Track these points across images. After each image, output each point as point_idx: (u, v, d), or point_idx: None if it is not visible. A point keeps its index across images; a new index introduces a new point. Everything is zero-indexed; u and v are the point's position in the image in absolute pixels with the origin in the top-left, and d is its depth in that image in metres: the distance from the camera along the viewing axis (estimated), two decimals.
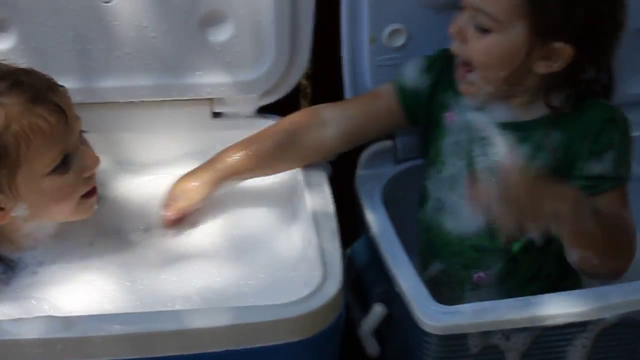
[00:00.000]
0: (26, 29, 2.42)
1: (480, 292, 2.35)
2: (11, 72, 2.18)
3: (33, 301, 2.12)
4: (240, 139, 2.46)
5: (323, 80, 2.56)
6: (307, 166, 2.43)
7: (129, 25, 2.44)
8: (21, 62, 2.31)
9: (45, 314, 2.02)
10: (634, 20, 2.44)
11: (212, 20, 2.48)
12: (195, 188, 2.36)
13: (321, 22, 2.50)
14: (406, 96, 2.40)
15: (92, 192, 2.27)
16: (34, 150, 2.12)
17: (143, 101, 2.51)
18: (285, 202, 2.46)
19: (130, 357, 1.93)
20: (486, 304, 2.11)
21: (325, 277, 2.05)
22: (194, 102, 2.54)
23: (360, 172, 2.51)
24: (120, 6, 2.41)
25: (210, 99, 2.55)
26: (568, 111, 2.25)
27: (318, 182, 2.38)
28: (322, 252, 2.14)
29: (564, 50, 2.16)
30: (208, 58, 2.50)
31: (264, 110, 2.57)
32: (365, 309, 2.23)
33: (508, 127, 2.29)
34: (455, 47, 2.25)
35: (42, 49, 2.42)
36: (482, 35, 2.18)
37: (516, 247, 2.23)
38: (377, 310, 2.20)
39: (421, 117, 2.40)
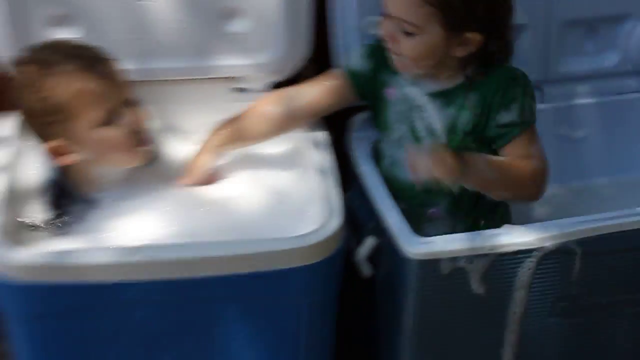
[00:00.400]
0: (88, 23, 2.50)
1: (436, 223, 2.45)
2: (68, 45, 2.35)
3: (105, 233, 2.23)
4: None
5: (322, 62, 2.63)
6: (312, 131, 2.53)
7: (164, 20, 2.53)
8: None
9: (116, 244, 2.14)
10: (563, 12, 2.65)
11: (232, 14, 2.56)
12: (198, 164, 2.48)
13: (321, 10, 2.60)
14: (354, 76, 2.49)
15: (141, 143, 2.37)
16: (84, 107, 2.27)
17: (178, 79, 2.61)
18: (296, 160, 2.54)
19: (178, 277, 2.07)
20: (454, 236, 2.20)
21: (330, 216, 2.19)
22: (217, 80, 2.62)
23: (352, 134, 2.59)
24: (156, 4, 2.51)
25: (231, 77, 2.63)
26: (480, 78, 2.37)
27: (321, 143, 2.49)
28: (327, 197, 2.26)
29: (474, 37, 2.29)
30: (228, 44, 2.59)
31: (275, 87, 2.63)
32: (360, 241, 2.33)
33: (435, 95, 2.39)
34: (390, 45, 2.34)
35: (102, 39, 2.44)
36: (408, 37, 2.28)
37: (455, 188, 2.29)
38: (370, 241, 2.31)
39: (368, 93, 2.49)
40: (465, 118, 2.39)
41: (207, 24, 2.59)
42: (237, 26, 2.61)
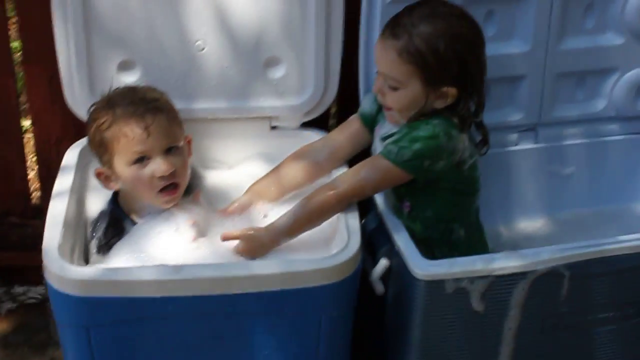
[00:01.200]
0: (146, 67, 2.42)
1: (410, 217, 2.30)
2: (137, 91, 2.28)
3: (142, 252, 2.16)
4: (288, 145, 2.46)
5: (346, 104, 2.55)
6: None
7: (216, 66, 2.45)
8: None
9: (159, 263, 2.08)
10: (557, 65, 2.55)
11: (271, 63, 2.47)
12: (237, 202, 2.35)
13: (345, 64, 2.49)
14: (365, 118, 2.39)
15: (168, 189, 2.23)
16: (121, 148, 2.19)
17: (225, 118, 2.51)
18: None
19: (214, 293, 1.97)
20: (457, 259, 2.10)
21: (349, 240, 2.09)
22: (258, 119, 2.52)
23: None
24: (210, 53, 2.42)
25: (269, 117, 2.53)
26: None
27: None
28: (347, 222, 2.16)
29: (450, 91, 2.18)
30: (268, 88, 2.49)
31: (306, 125, 2.54)
32: (374, 262, 2.22)
33: (386, 138, 2.26)
34: (379, 99, 2.26)
35: (157, 81, 2.38)
36: (393, 91, 2.20)
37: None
38: (383, 263, 2.19)
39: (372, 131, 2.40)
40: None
41: (251, 71, 2.49)
42: (276, 73, 2.51)
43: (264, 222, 2.27)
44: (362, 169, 2.21)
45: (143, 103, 2.23)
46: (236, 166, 2.54)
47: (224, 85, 2.47)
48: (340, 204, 2.20)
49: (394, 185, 2.24)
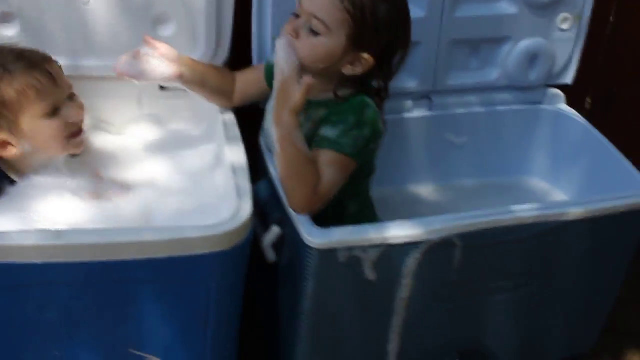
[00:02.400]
0: (26, 21, 2.31)
1: None
2: (16, 49, 2.17)
3: (29, 215, 2.06)
4: (179, 108, 2.44)
5: (238, 66, 2.42)
6: (226, 124, 2.33)
7: (101, 22, 2.35)
8: (22, 44, 2.24)
9: (39, 227, 1.99)
10: (451, 33, 2.53)
11: (160, 20, 2.39)
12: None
13: (238, 24, 2.43)
14: (267, 69, 2.31)
15: (77, 133, 2.21)
16: (31, 101, 2.11)
17: (111, 76, 2.33)
18: (210, 152, 2.36)
19: (98, 260, 1.88)
20: (350, 228, 2.06)
21: (240, 206, 2.01)
22: None
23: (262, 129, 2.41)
24: (95, 7, 2.32)
25: None
26: (340, 101, 2.18)
27: (234, 137, 2.29)
28: (238, 188, 2.07)
29: (367, 61, 2.12)
30: None
31: None
32: (266, 228, 2.18)
33: None
34: (282, 42, 2.13)
35: (38, 36, 2.31)
36: (312, 36, 2.09)
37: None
38: (275, 230, 2.15)
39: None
40: (306, 129, 2.17)
41: (139, 28, 2.38)
42: (165, 30, 2.42)
43: None
44: (325, 172, 2.09)
45: (32, 55, 2.16)
46: (124, 128, 2.46)
47: (111, 41, 2.37)
48: (309, 205, 2.09)
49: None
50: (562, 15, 2.61)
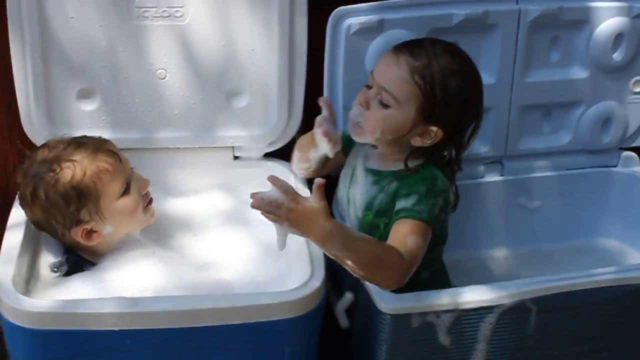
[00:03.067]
0: (106, 96, 2.39)
1: None
2: (72, 139, 2.22)
3: (107, 285, 2.10)
4: (251, 176, 2.45)
5: None
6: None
7: (177, 95, 2.42)
8: (102, 119, 2.37)
9: (118, 295, 2.02)
10: (522, 98, 2.55)
11: (234, 92, 2.44)
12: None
13: (309, 94, 2.46)
14: (344, 138, 2.32)
15: (149, 203, 2.26)
16: (106, 184, 2.14)
17: (187, 147, 2.47)
18: None
19: (174, 327, 1.92)
20: (423, 293, 2.07)
21: (312, 273, 2.05)
22: (221, 148, 2.49)
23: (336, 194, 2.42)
24: (172, 82, 2.39)
25: (232, 146, 2.49)
26: (410, 173, 2.18)
27: None
28: (311, 255, 2.11)
29: (436, 133, 2.12)
30: (231, 118, 2.46)
31: (269, 155, 2.52)
32: (339, 294, 2.19)
33: (371, 172, 2.23)
34: (356, 110, 2.16)
35: (117, 110, 2.40)
36: (382, 108, 2.12)
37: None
38: (348, 296, 2.17)
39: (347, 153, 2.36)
40: (380, 200, 2.19)
41: (214, 100, 2.46)
42: (239, 102, 2.48)
43: None
44: (411, 239, 2.08)
45: (90, 141, 2.21)
46: (198, 196, 2.49)
47: (186, 114, 2.44)
48: (399, 276, 2.05)
49: None
50: (635, 78, 2.62)
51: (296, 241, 2.16)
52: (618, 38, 2.54)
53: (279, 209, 1.96)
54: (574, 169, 2.69)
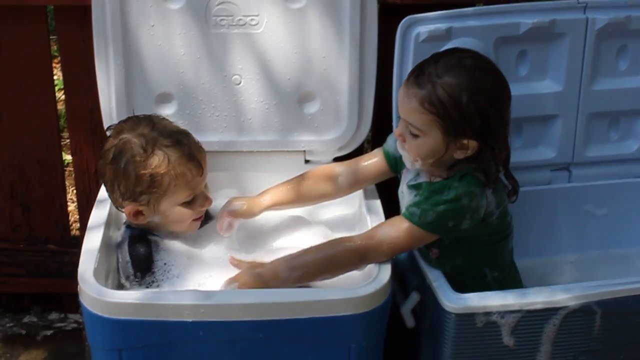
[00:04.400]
0: (184, 101, 2.47)
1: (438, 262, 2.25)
2: (175, 132, 2.29)
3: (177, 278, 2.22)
4: None
5: (380, 139, 2.51)
6: (368, 197, 2.43)
7: (251, 100, 2.49)
8: (179, 123, 2.40)
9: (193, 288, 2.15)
10: (589, 105, 2.55)
11: (306, 98, 2.50)
12: (242, 209, 2.38)
13: (379, 99, 2.52)
14: (388, 155, 2.39)
15: (199, 218, 2.32)
16: (177, 189, 2.23)
17: (260, 151, 2.54)
18: (351, 221, 2.49)
19: (245, 319, 1.98)
20: (488, 293, 2.11)
21: (379, 271, 2.10)
22: (293, 152, 2.55)
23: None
24: (246, 88, 2.46)
25: (304, 151, 2.55)
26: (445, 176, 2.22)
27: (375, 209, 2.39)
28: None
29: (471, 144, 2.14)
30: (303, 123, 2.52)
31: (340, 159, 2.55)
32: (406, 295, 2.23)
33: (413, 186, 2.26)
34: (399, 144, 2.23)
35: (193, 115, 2.48)
36: (414, 138, 2.17)
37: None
38: (414, 297, 2.21)
39: (397, 169, 2.38)
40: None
41: (287, 106, 2.53)
42: (311, 108, 2.54)
43: None
44: (384, 228, 2.20)
45: (189, 144, 2.28)
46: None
47: (259, 119, 2.51)
48: (359, 260, 2.17)
49: (420, 244, 2.22)
50: None
51: None
52: None
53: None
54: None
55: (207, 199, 2.30)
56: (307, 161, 2.57)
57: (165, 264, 2.24)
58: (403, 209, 2.25)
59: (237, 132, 2.51)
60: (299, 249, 2.20)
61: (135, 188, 2.22)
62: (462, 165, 2.19)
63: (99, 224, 2.28)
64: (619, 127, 2.64)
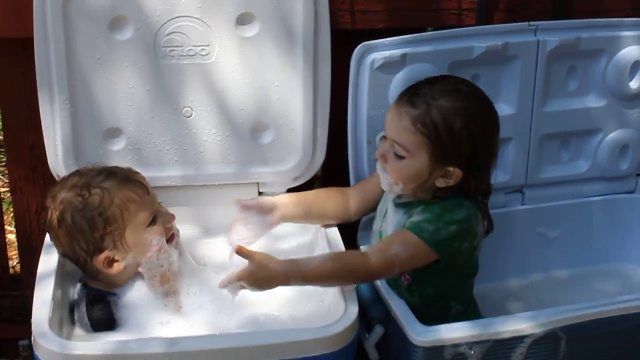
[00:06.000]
0: (133, 135, 2.40)
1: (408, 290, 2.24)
2: (103, 168, 2.23)
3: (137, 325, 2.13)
4: None
5: (333, 171, 2.54)
6: (328, 229, 2.37)
7: (203, 132, 2.43)
8: (128, 158, 2.36)
9: (155, 336, 2.07)
10: (542, 127, 2.56)
11: (259, 128, 2.45)
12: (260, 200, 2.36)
13: (333, 129, 2.49)
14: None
15: (172, 237, 2.26)
16: (132, 214, 2.15)
17: (213, 184, 2.47)
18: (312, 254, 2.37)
19: None
20: (455, 325, 2.07)
21: (347, 307, 2.05)
22: (246, 184, 2.48)
23: (360, 233, 2.46)
24: (197, 119, 2.40)
25: (258, 182, 2.49)
26: (436, 201, 2.19)
27: (336, 241, 2.33)
28: (342, 290, 2.10)
29: (456, 172, 2.13)
30: (256, 154, 2.46)
31: (293, 190, 2.50)
32: (368, 328, 2.18)
33: (400, 205, 2.24)
34: (379, 164, 2.20)
35: (144, 148, 2.41)
36: (398, 159, 2.14)
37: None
38: (378, 330, 2.17)
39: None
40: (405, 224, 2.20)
41: (239, 137, 2.47)
42: (264, 138, 2.49)
43: None
44: (393, 244, 2.13)
45: (120, 171, 2.22)
46: (226, 232, 2.43)
47: (212, 151, 2.45)
48: (368, 278, 2.16)
49: (419, 265, 2.16)
50: None
51: None
52: (634, 66, 2.56)
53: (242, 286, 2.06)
54: (593, 196, 2.70)
55: (168, 214, 2.24)
56: (260, 193, 2.51)
57: (127, 320, 2.15)
58: (389, 228, 2.23)
59: (189, 166, 2.45)
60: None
61: (93, 236, 2.14)
62: (443, 192, 2.17)
63: (49, 271, 2.17)
64: (569, 147, 2.66)
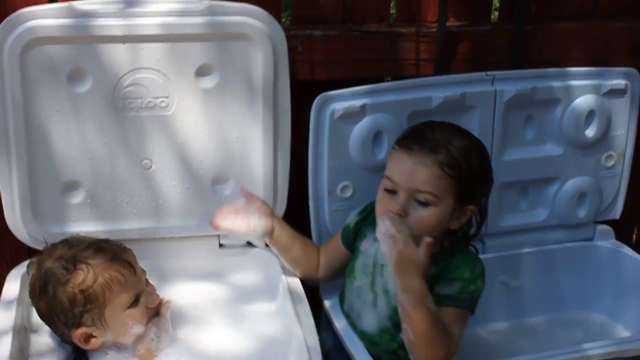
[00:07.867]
0: (92, 188, 2.35)
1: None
2: (92, 242, 2.18)
3: None
4: (237, 264, 2.47)
5: (293, 222, 2.42)
6: (288, 280, 2.33)
7: (162, 185, 2.39)
8: (87, 211, 2.32)
9: None
10: (500, 175, 2.49)
11: (219, 180, 2.42)
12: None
13: (293, 180, 2.47)
14: (344, 234, 2.35)
15: (154, 316, 2.19)
16: (115, 294, 2.10)
17: (173, 237, 2.44)
18: (276, 307, 2.34)
19: None
20: None
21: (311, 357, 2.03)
22: (207, 237, 2.44)
23: (323, 284, 2.43)
24: (157, 172, 2.37)
25: (218, 235, 2.44)
26: (447, 256, 2.19)
27: (298, 292, 2.30)
28: (306, 343, 2.07)
29: (472, 210, 2.17)
30: (217, 205, 2.38)
31: (251, 243, 2.47)
32: None
33: None
34: (392, 222, 2.10)
35: (102, 201, 2.36)
36: (423, 208, 2.12)
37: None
38: None
39: (351, 245, 2.34)
40: None
41: (199, 189, 2.43)
42: (224, 190, 2.46)
43: None
44: (455, 328, 2.12)
45: (110, 247, 2.17)
46: (187, 285, 2.44)
47: (172, 203, 2.41)
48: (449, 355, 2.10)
49: None
50: (606, 153, 2.67)
51: (291, 332, 2.15)
52: (589, 115, 2.59)
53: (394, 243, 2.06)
54: (552, 244, 2.71)
55: (152, 294, 2.18)
56: (221, 245, 2.47)
57: None
58: (391, 284, 2.17)
59: (148, 219, 2.41)
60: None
61: (73, 311, 2.08)
62: (451, 235, 2.20)
63: (7, 328, 2.11)
64: (528, 196, 2.67)
